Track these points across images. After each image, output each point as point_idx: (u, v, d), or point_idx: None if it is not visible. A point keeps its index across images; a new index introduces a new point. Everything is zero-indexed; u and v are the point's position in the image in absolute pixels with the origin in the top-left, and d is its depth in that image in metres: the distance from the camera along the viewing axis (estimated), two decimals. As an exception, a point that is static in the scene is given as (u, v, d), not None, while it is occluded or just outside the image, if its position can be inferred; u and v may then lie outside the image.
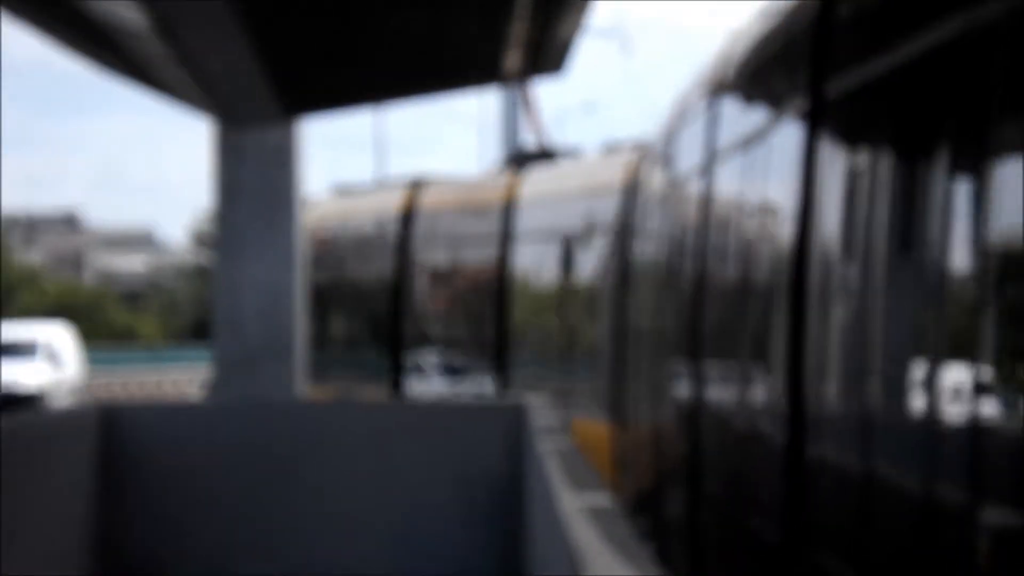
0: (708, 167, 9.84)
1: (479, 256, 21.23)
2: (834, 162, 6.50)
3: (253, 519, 11.67)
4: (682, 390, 10.71)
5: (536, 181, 20.48)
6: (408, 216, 22.95)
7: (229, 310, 14.93)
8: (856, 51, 6.23)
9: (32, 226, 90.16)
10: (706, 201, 9.87)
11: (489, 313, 20.58)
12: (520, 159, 22.59)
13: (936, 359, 4.93)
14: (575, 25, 14.29)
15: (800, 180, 6.93)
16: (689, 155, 10.72)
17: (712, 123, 9.76)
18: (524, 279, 20.14)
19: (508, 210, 20.54)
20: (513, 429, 11.72)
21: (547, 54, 15.13)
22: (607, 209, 16.82)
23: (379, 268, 23.44)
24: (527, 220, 20.05)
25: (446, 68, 15.17)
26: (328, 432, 11.93)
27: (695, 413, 10.06)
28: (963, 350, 4.65)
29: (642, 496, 13.35)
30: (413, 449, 11.82)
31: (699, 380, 9.98)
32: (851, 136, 6.34)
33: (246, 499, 11.69)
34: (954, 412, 4.77)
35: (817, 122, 6.76)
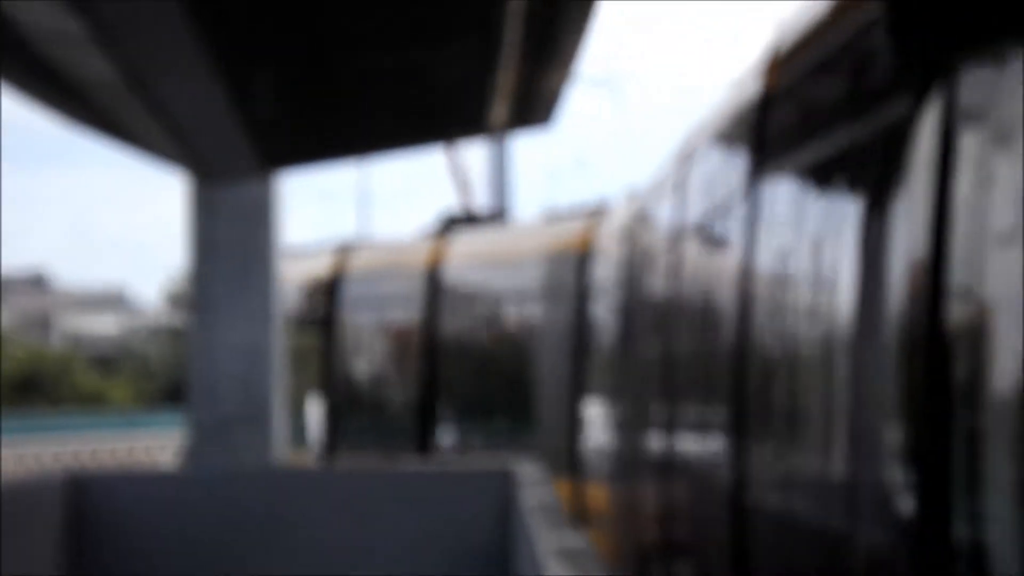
0: (676, 237, 10.42)
1: (404, 317, 21.41)
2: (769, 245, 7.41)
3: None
4: (642, 445, 11.57)
5: (461, 245, 20.80)
6: (336, 280, 23.07)
7: (204, 373, 14.55)
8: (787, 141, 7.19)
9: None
10: (669, 269, 10.57)
11: (413, 374, 20.77)
12: (449, 223, 22.68)
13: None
14: (563, 76, 13.99)
15: (743, 258, 7.72)
16: (659, 226, 11.49)
17: (682, 196, 10.41)
18: (454, 339, 20.40)
19: (432, 273, 20.86)
20: (500, 496, 11.37)
21: (535, 105, 14.82)
22: (540, 274, 17.98)
23: (315, 331, 23.63)
24: (451, 282, 20.52)
25: (430, 120, 14.85)
26: (306, 501, 11.56)
27: (651, 467, 10.91)
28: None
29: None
30: (395, 518, 11.46)
31: (662, 432, 10.73)
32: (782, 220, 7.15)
33: (220, 570, 11.29)
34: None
35: (755, 211, 7.58)
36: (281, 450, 14.95)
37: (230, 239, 14.69)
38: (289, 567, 11.38)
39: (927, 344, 4.63)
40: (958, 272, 4.51)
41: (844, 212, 5.86)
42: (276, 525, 11.45)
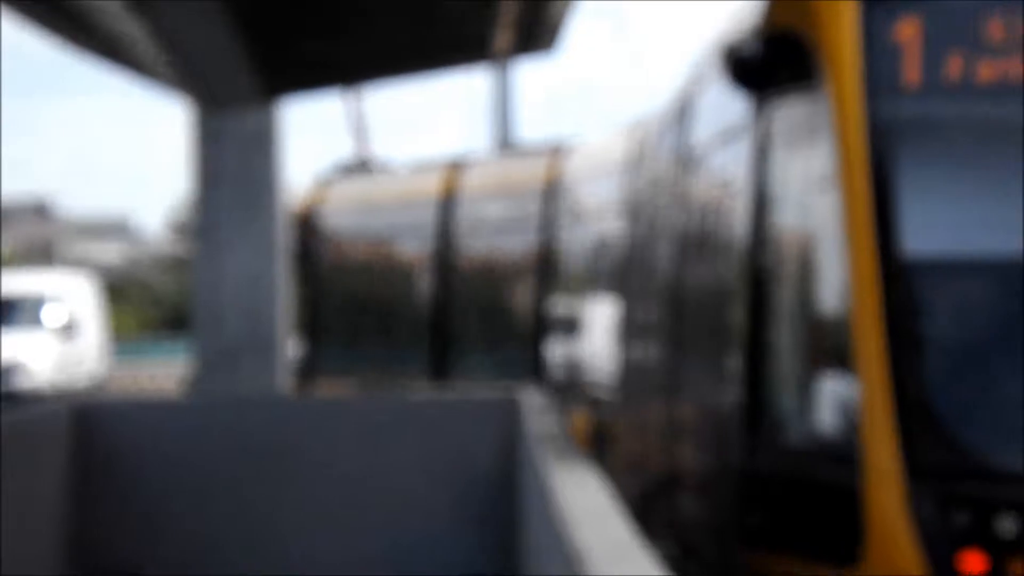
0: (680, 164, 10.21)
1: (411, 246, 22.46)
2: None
3: (235, 520, 11.32)
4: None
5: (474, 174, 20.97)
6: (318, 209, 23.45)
7: (209, 303, 14.55)
8: None
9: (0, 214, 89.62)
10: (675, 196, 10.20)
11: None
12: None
13: None
14: (566, 2, 13.87)
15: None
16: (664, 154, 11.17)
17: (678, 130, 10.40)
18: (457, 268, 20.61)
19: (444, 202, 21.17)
20: (507, 424, 11.41)
21: (538, 32, 14.72)
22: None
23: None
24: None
25: (433, 47, 14.77)
26: (313, 428, 11.60)
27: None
28: None
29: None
30: (402, 445, 11.52)
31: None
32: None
33: (228, 500, 11.36)
34: None
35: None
36: (285, 379, 14.99)
37: (234, 168, 14.66)
38: (296, 494, 11.43)
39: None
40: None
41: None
42: (281, 451, 11.49)
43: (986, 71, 6.91)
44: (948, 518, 6.50)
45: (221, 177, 14.68)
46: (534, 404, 11.76)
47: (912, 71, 6.94)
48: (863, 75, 6.95)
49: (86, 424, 11.25)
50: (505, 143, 24.27)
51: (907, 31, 6.95)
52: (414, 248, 19.54)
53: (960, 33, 6.93)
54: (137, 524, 11.19)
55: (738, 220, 7.81)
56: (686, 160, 9.59)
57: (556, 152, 17.01)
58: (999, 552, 6.45)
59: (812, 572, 6.89)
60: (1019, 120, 6.83)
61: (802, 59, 7.23)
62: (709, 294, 8.41)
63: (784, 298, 7.36)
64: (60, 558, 10.64)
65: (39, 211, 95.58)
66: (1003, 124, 6.88)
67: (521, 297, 17.53)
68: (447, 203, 18.38)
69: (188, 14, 11.68)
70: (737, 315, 7.63)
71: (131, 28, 12.05)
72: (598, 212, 14.57)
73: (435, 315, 18.68)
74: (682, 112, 9.87)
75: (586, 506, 6.43)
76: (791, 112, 7.44)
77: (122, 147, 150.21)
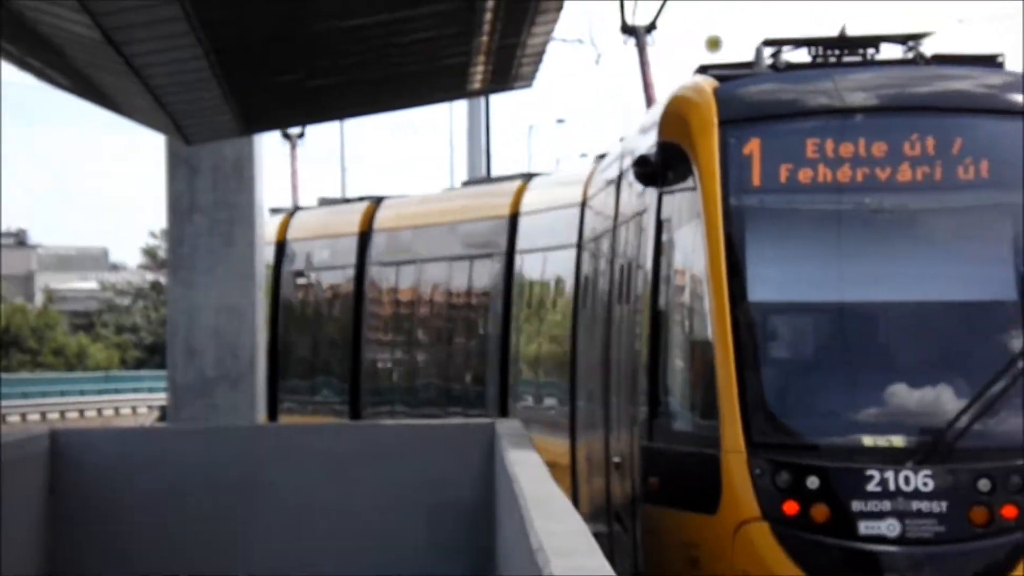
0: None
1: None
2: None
3: (209, 550, 11.30)
4: None
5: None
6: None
7: (185, 334, 14.55)
8: None
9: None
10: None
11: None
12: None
13: None
14: (544, 35, 13.97)
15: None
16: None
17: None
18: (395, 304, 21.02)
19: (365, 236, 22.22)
20: (483, 451, 11.41)
21: (515, 65, 14.81)
22: None
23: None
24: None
25: (410, 82, 14.82)
26: (288, 456, 11.57)
27: None
28: None
29: None
30: (378, 473, 11.49)
31: None
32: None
33: (202, 529, 11.33)
34: None
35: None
36: (262, 411, 14.99)
37: (211, 199, 14.69)
38: (271, 522, 11.41)
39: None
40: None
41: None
42: (255, 480, 11.47)
43: (804, 175, 10.48)
44: (774, 479, 10.00)
45: (197, 207, 14.72)
46: (510, 430, 11.79)
47: (755, 175, 10.49)
48: (722, 177, 10.42)
49: (62, 451, 11.25)
50: (477, 175, 24.42)
51: (751, 148, 10.49)
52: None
53: (787, 150, 10.51)
54: (110, 549, 11.18)
55: (643, 274, 11.22)
56: (614, 227, 12.61)
57: (513, 188, 17.31)
58: (807, 501, 9.96)
59: (688, 517, 10.32)
60: (829, 208, 10.46)
61: (683, 165, 10.66)
62: (628, 326, 11.61)
63: (672, 330, 10.81)
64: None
65: (18, 241, 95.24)
66: (817, 211, 10.51)
67: (473, 328, 17.80)
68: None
69: (163, 49, 11.75)
70: (643, 342, 10.98)
71: (106, 63, 12.10)
72: (550, 244, 15.71)
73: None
74: (614, 184, 12.87)
75: (562, 537, 6.52)
76: (677, 200, 10.84)
77: (102, 178, 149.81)
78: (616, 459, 11.72)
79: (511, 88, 16.09)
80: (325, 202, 22.95)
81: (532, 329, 16.31)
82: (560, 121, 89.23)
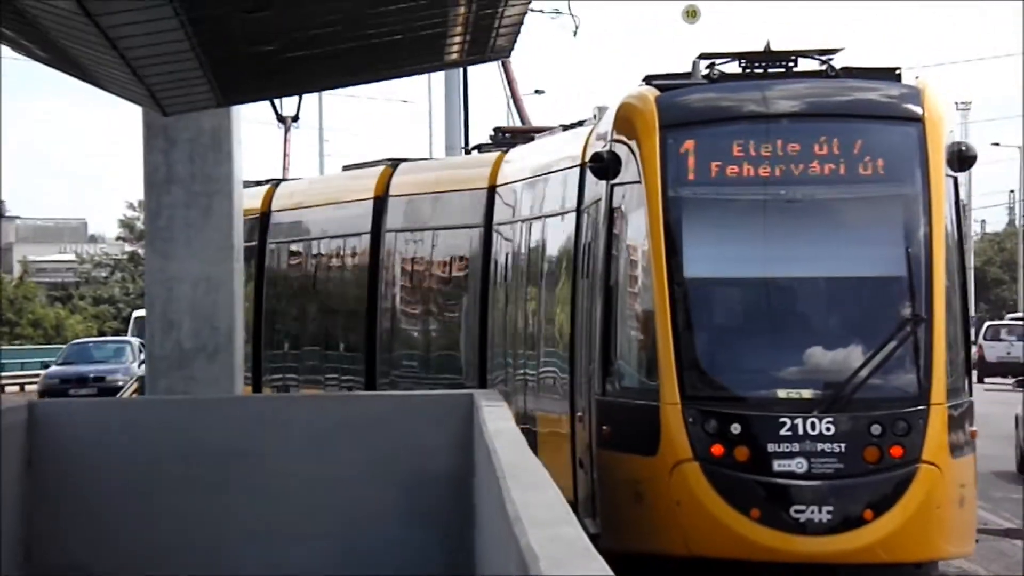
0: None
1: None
2: None
3: (187, 522, 11.30)
4: None
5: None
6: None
7: (162, 306, 14.53)
8: None
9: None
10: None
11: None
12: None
13: None
14: (522, 5, 13.94)
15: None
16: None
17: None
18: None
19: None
20: (463, 422, 11.41)
21: (493, 36, 14.78)
22: None
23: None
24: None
25: (386, 54, 14.79)
26: (267, 427, 11.57)
27: None
28: None
29: None
30: (358, 443, 11.49)
31: None
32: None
33: (178, 500, 11.33)
34: None
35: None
36: (240, 384, 14.99)
37: (188, 170, 14.66)
38: (251, 492, 11.41)
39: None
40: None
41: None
42: (235, 452, 11.47)
43: (731, 171, 12.65)
44: (704, 425, 12.15)
45: (175, 179, 14.68)
46: (489, 401, 11.82)
47: (690, 171, 12.66)
48: (662, 172, 12.57)
49: (40, 423, 11.25)
50: (457, 145, 24.42)
51: (687, 148, 12.63)
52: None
53: (717, 150, 12.67)
54: (88, 523, 11.18)
55: (597, 254, 13.26)
56: (577, 212, 14.37)
57: (495, 158, 17.32)
58: (731, 444, 12.11)
59: (634, 459, 12.49)
60: (752, 199, 12.72)
61: (630, 162, 12.84)
62: (587, 298, 13.45)
63: (621, 302, 12.95)
64: (9, 557, 10.63)
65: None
66: (741, 201, 12.77)
67: (456, 299, 17.85)
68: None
69: (140, 20, 11.71)
70: (598, 312, 13.03)
71: (81, 33, 12.06)
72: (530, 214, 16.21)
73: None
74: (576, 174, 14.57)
75: (539, 507, 6.56)
76: (624, 191, 12.97)
77: (82, 149, 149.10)
78: (579, 413, 13.63)
79: (489, 59, 16.07)
80: (347, 168, 22.95)
81: (528, 300, 16.49)
82: (539, 92, 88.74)
